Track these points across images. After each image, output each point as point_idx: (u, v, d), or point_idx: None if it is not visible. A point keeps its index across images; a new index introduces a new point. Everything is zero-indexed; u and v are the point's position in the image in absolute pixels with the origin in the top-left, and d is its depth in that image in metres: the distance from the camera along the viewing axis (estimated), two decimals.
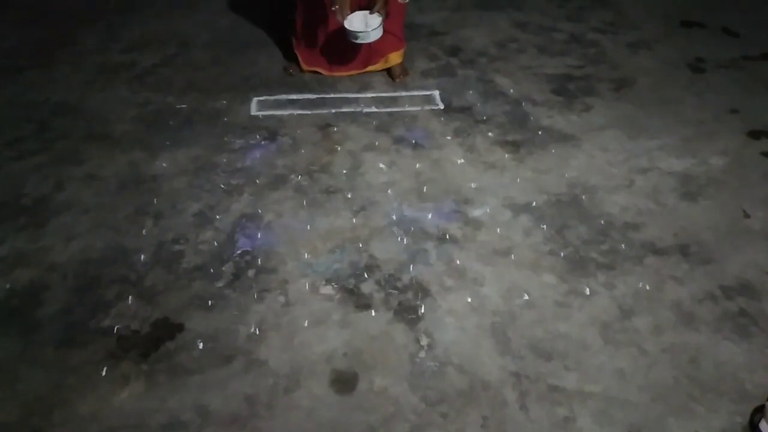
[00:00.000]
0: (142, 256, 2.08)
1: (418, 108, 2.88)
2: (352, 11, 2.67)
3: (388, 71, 3.08)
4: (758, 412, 1.57)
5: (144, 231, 2.18)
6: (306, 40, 2.99)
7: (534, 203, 2.30)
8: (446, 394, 1.65)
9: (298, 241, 2.14)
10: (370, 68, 3.06)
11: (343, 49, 2.90)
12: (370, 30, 2.62)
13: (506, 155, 2.56)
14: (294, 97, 2.96)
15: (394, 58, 3.03)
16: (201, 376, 1.70)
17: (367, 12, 2.67)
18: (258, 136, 2.68)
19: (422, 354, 1.75)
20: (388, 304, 1.91)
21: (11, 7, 3.89)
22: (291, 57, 3.14)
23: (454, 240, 2.14)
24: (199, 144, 2.64)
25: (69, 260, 2.07)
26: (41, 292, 1.95)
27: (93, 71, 3.19)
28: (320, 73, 3.07)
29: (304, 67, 3.07)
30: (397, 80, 3.04)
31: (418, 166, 2.50)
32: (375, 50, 2.94)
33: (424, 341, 1.79)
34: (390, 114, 2.84)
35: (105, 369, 1.71)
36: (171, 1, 3.96)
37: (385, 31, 2.70)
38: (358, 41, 2.67)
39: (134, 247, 2.12)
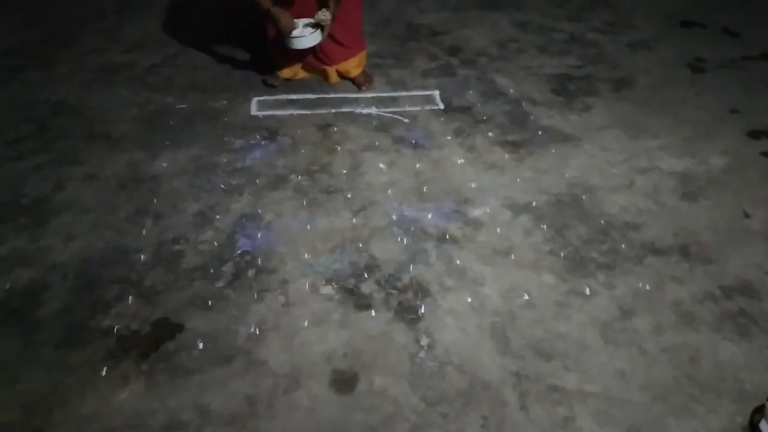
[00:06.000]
0: (142, 256, 2.08)
1: (418, 108, 2.88)
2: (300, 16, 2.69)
3: (353, 81, 3.05)
4: (758, 412, 1.57)
5: (144, 231, 2.18)
6: (278, 47, 2.89)
7: (534, 203, 2.30)
8: (446, 394, 1.65)
9: (298, 241, 2.14)
10: (328, 71, 2.99)
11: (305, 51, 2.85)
12: (302, 36, 2.64)
13: (506, 155, 2.56)
14: (294, 97, 2.96)
15: (353, 70, 3.00)
16: (201, 376, 1.70)
17: (311, 19, 2.68)
18: (258, 136, 2.68)
19: (422, 354, 1.75)
20: (388, 304, 1.91)
21: (11, 7, 3.89)
22: (267, 69, 3.06)
23: (454, 240, 2.14)
24: (199, 144, 2.64)
25: (69, 260, 2.07)
26: (41, 292, 1.95)
27: (93, 71, 3.20)
28: (292, 79, 3.03)
29: (282, 74, 3.00)
30: (363, 88, 3.01)
31: (418, 166, 2.50)
32: (325, 55, 2.90)
33: (424, 341, 1.79)
34: (390, 114, 2.84)
35: (105, 369, 1.71)
36: (171, 1, 3.96)
37: (336, 42, 2.81)
38: (292, 46, 2.68)
39: (134, 247, 2.12)
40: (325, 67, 2.98)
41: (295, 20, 2.67)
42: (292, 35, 2.65)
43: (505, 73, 3.16)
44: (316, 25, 2.68)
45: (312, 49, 2.84)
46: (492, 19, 3.74)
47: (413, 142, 2.64)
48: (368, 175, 2.46)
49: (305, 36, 2.66)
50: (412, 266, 2.04)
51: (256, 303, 1.91)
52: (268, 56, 3.01)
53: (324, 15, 2.63)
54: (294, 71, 3.02)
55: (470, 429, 1.57)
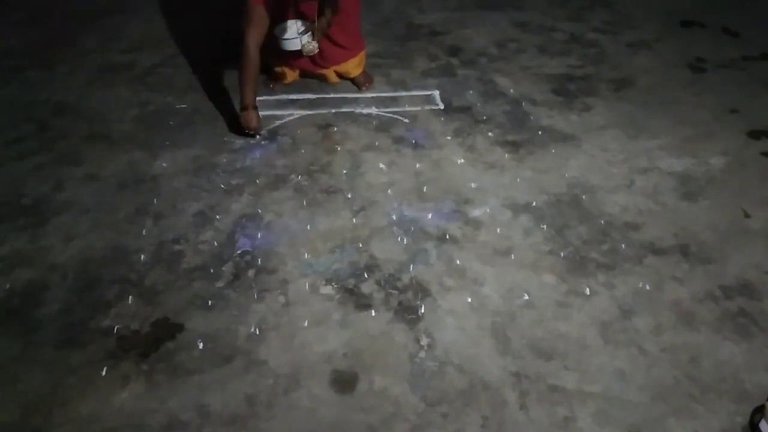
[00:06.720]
0: (142, 256, 2.08)
1: (418, 108, 2.88)
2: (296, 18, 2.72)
3: (353, 81, 3.04)
4: (758, 412, 1.57)
5: (144, 231, 2.18)
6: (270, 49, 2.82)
7: (534, 203, 2.30)
8: (446, 394, 1.65)
9: (298, 241, 2.14)
10: (327, 74, 2.99)
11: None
12: (292, 38, 2.66)
13: (506, 155, 2.56)
14: (294, 97, 2.96)
15: (353, 70, 2.99)
16: (201, 376, 1.70)
17: (300, 22, 2.70)
18: (258, 136, 2.68)
19: (422, 354, 1.75)
20: (388, 304, 1.91)
21: (11, 7, 3.89)
22: (266, 70, 3.00)
23: (454, 240, 2.14)
24: (199, 144, 2.64)
25: (69, 260, 2.07)
26: (41, 292, 1.95)
27: (93, 71, 3.20)
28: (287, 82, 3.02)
29: (283, 79, 3.01)
30: (363, 88, 3.01)
31: (418, 166, 2.50)
32: (325, 57, 2.88)
33: (424, 341, 1.79)
34: (390, 114, 2.84)
35: (105, 369, 1.71)
36: (171, 1, 3.96)
37: (335, 44, 2.81)
38: (280, 47, 2.68)
39: (134, 247, 2.12)
40: (324, 70, 2.98)
41: (288, 22, 2.69)
42: (283, 37, 2.66)
43: (505, 73, 3.16)
44: (307, 30, 2.69)
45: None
46: (492, 19, 3.74)
47: (413, 142, 2.64)
48: (368, 175, 2.46)
49: (294, 38, 2.66)
50: (412, 266, 2.04)
51: (256, 303, 1.91)
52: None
53: (311, 46, 2.67)
54: (293, 77, 3.02)
55: (470, 429, 1.57)
